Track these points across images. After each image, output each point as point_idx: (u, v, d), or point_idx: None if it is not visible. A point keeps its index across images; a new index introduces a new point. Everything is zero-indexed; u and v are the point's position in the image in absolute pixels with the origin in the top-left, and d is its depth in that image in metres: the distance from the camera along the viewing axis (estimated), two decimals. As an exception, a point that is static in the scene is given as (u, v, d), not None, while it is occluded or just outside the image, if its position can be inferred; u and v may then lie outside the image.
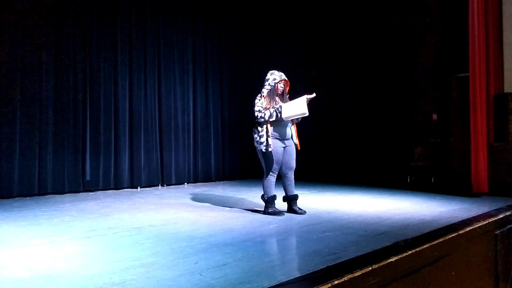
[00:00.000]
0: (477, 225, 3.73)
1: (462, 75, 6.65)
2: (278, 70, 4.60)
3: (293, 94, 4.60)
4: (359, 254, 2.83)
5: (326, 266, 2.55)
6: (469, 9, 5.93)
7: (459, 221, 3.92)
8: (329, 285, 2.23)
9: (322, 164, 8.56)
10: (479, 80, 5.82)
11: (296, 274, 2.45)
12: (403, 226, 3.83)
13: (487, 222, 3.91)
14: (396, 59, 7.72)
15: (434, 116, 7.33)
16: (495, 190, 5.77)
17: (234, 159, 8.79)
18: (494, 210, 4.52)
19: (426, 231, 3.51)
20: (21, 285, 2.31)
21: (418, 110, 7.43)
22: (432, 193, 6.10)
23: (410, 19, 7.56)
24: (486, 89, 5.89)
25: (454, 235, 3.38)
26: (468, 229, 3.59)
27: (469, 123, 5.93)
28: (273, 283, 2.26)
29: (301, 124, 4.74)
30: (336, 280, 2.28)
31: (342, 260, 2.69)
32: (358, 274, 2.41)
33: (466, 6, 6.00)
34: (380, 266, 2.57)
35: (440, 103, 7.19)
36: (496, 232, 4.08)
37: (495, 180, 5.82)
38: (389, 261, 2.65)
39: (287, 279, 2.33)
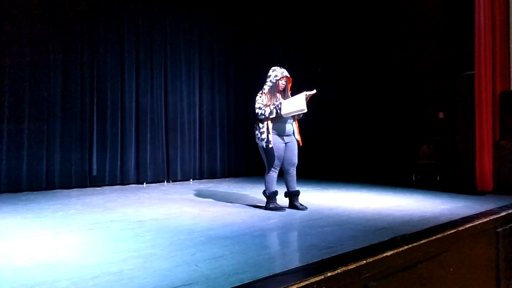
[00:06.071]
0: (477, 222, 3.71)
1: (468, 73, 6.61)
2: (281, 66, 4.59)
3: (296, 90, 4.60)
4: (356, 248, 2.85)
5: (321, 259, 2.57)
6: (476, 7, 5.89)
7: (459, 218, 3.90)
8: (322, 277, 2.25)
9: (325, 162, 8.56)
10: (485, 78, 5.79)
11: (291, 266, 2.47)
12: (403, 222, 3.83)
13: (488, 219, 3.88)
14: (402, 57, 7.69)
15: (440, 114, 7.30)
16: (500, 188, 5.73)
17: (240, 156, 8.83)
18: (496, 208, 4.49)
19: (426, 227, 3.51)
20: (21, 273, 2.37)
21: (424, 108, 7.41)
22: (436, 191, 6.08)
23: (415, 17, 7.52)
24: (492, 87, 5.85)
25: (452, 231, 3.37)
26: (468, 226, 3.57)
27: (474, 121, 5.89)
28: (267, 274, 2.29)
29: (304, 120, 4.75)
30: (329, 272, 2.29)
31: (338, 253, 2.71)
32: (352, 267, 2.42)
33: (473, 4, 5.97)
34: (375, 260, 2.58)
35: (446, 101, 7.15)
36: (497, 230, 4.05)
37: (500, 178, 5.77)
38: (384, 255, 2.66)
39: (282, 271, 2.36)
